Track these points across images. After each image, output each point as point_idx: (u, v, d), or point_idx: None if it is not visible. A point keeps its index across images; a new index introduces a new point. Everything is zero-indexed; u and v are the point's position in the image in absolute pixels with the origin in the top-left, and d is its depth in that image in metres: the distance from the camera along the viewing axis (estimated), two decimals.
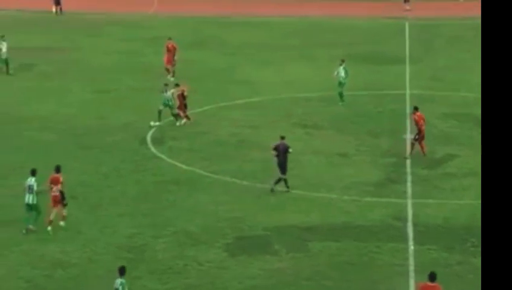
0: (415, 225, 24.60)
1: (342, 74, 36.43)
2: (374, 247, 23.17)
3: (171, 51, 40.37)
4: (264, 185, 27.42)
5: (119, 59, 44.24)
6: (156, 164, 29.37)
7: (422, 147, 29.97)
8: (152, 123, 32.66)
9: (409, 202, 26.34)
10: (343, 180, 27.95)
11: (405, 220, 25.00)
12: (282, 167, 26.69)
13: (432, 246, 23.23)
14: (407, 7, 58.25)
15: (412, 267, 22.06)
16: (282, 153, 26.72)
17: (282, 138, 27.31)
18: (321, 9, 58.59)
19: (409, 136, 32.28)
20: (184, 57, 45.23)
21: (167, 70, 40.18)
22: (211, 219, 24.84)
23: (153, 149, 30.81)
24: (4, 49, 40.59)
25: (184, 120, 33.25)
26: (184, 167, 29.02)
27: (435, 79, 41.18)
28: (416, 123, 30.04)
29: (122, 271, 18.78)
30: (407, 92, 38.65)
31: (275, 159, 26.87)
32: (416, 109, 30.44)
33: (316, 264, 22.21)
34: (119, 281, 18.65)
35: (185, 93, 33.36)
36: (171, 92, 33.11)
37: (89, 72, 42.02)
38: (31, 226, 23.63)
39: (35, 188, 23.49)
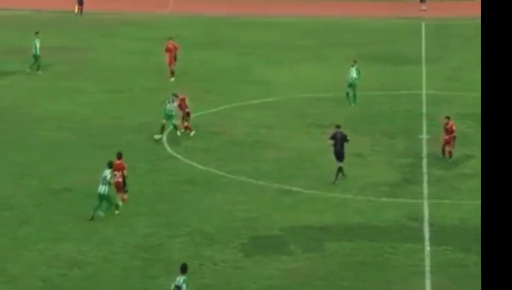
0: (431, 225, 24.52)
1: (354, 74, 36.27)
2: (389, 247, 23.11)
3: (172, 51, 40.01)
4: (280, 185, 27.41)
5: (134, 59, 44.36)
6: (171, 163, 29.41)
7: (445, 150, 29.72)
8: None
9: (425, 202, 26.25)
10: (358, 181, 27.89)
11: (421, 220, 24.93)
12: (339, 155, 27.32)
13: (448, 246, 23.14)
14: (423, 7, 58.10)
15: (427, 268, 21.98)
16: (339, 141, 27.37)
17: (338, 126, 27.94)
18: (336, 9, 58.53)
19: (424, 137, 32.22)
20: (199, 57, 45.33)
21: (172, 72, 39.92)
22: (226, 219, 24.85)
23: (168, 149, 30.85)
24: (38, 45, 40.98)
25: (185, 130, 31.74)
26: (200, 166, 29.04)
27: (451, 79, 41.04)
28: (453, 130, 29.62)
29: (184, 268, 18.78)
30: (423, 92, 38.54)
31: (332, 149, 27.45)
32: (448, 118, 30.10)
33: (331, 264, 22.18)
34: (181, 278, 18.62)
35: (186, 102, 32.16)
36: (177, 104, 31.71)
37: (104, 72, 42.15)
38: (101, 213, 24.35)
39: (108, 179, 24.22)
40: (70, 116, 34.88)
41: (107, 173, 24.42)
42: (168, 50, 40.12)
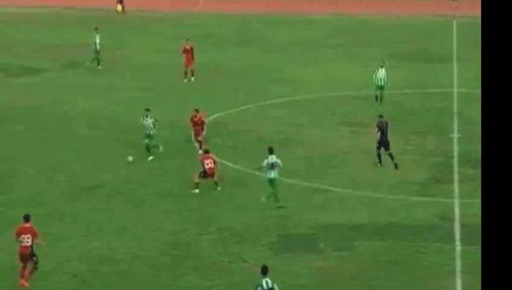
0: (462, 225, 24.31)
1: (384, 76, 35.88)
2: (420, 247, 22.95)
3: (190, 52, 39.71)
4: (310, 183, 27.33)
5: (165, 57, 44.51)
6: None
7: None
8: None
9: (456, 201, 26.03)
10: (389, 179, 27.74)
11: (452, 220, 24.73)
12: (386, 144, 28.21)
13: (479, 246, 22.86)
14: (455, 5, 57.66)
15: (458, 268, 21.81)
16: (385, 131, 28.17)
17: (381, 116, 28.69)
18: (368, 8, 58.28)
19: (456, 135, 31.98)
20: (229, 54, 45.39)
21: (186, 73, 39.59)
22: (255, 217, 24.84)
23: (198, 146, 30.85)
24: (98, 41, 41.57)
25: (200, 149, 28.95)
26: (229, 164, 29.05)
27: None
28: None
29: (266, 270, 18.26)
30: (455, 90, 38.24)
31: (378, 138, 28.25)
32: None
33: (361, 263, 22.07)
34: (269, 280, 18.12)
35: (203, 118, 29.83)
36: (152, 121, 29.28)
37: (135, 69, 42.37)
38: (263, 199, 25.34)
39: (279, 163, 25.19)
40: (102, 113, 35.09)
41: (273, 159, 25.17)
42: (185, 51, 39.90)
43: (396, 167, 28.37)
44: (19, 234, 20.52)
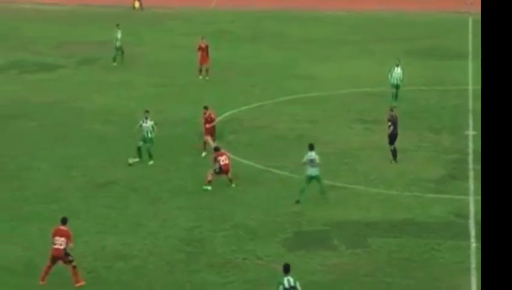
0: (477, 222, 24.18)
1: (400, 75, 35.71)
2: (434, 244, 22.88)
3: (205, 50, 39.64)
4: (324, 180, 27.22)
5: (179, 54, 44.52)
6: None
7: None
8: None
9: (471, 198, 25.92)
10: (403, 176, 27.66)
11: (467, 217, 24.64)
12: (396, 137, 28.65)
13: None
14: (471, 1, 57.36)
15: (473, 265, 21.72)
16: (396, 124, 28.68)
17: (392, 110, 29.22)
18: (383, 4, 58.07)
19: (471, 133, 31.84)
20: (244, 51, 45.35)
21: (200, 70, 39.54)
22: (269, 214, 24.83)
23: (211, 143, 30.85)
24: (119, 37, 41.69)
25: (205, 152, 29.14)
26: (243, 161, 29.06)
27: None
28: None
29: (288, 268, 18.20)
30: (470, 87, 38.04)
31: (390, 131, 28.66)
32: None
33: (376, 260, 22.02)
34: (291, 279, 18.14)
35: (213, 116, 29.72)
36: (151, 123, 28.54)
37: (150, 66, 42.42)
38: (324, 196, 25.52)
39: (317, 161, 25.14)
40: (117, 109, 35.15)
41: (313, 155, 25.15)
42: (200, 49, 39.86)
43: (395, 161, 28.60)
44: (54, 236, 20.57)
